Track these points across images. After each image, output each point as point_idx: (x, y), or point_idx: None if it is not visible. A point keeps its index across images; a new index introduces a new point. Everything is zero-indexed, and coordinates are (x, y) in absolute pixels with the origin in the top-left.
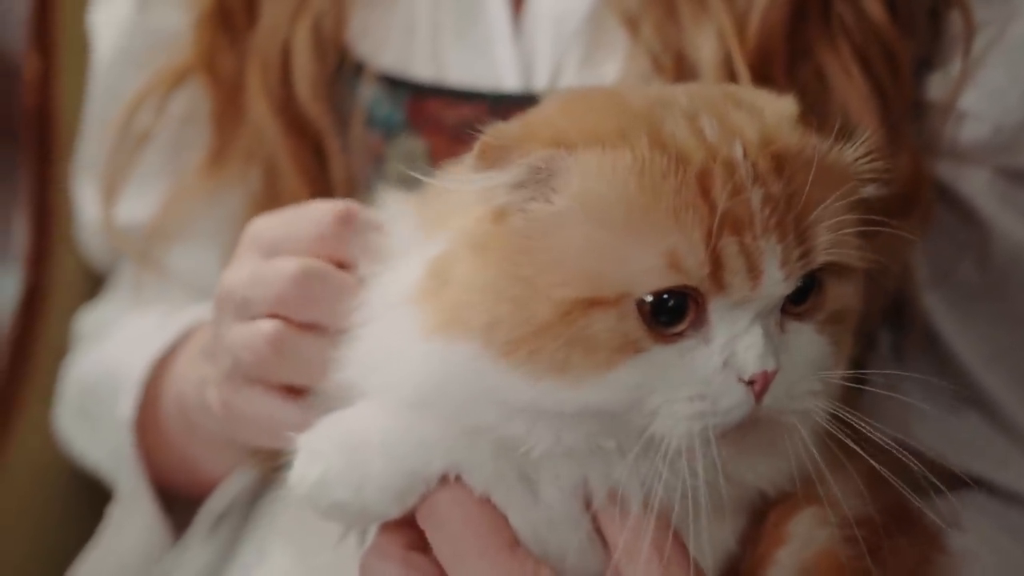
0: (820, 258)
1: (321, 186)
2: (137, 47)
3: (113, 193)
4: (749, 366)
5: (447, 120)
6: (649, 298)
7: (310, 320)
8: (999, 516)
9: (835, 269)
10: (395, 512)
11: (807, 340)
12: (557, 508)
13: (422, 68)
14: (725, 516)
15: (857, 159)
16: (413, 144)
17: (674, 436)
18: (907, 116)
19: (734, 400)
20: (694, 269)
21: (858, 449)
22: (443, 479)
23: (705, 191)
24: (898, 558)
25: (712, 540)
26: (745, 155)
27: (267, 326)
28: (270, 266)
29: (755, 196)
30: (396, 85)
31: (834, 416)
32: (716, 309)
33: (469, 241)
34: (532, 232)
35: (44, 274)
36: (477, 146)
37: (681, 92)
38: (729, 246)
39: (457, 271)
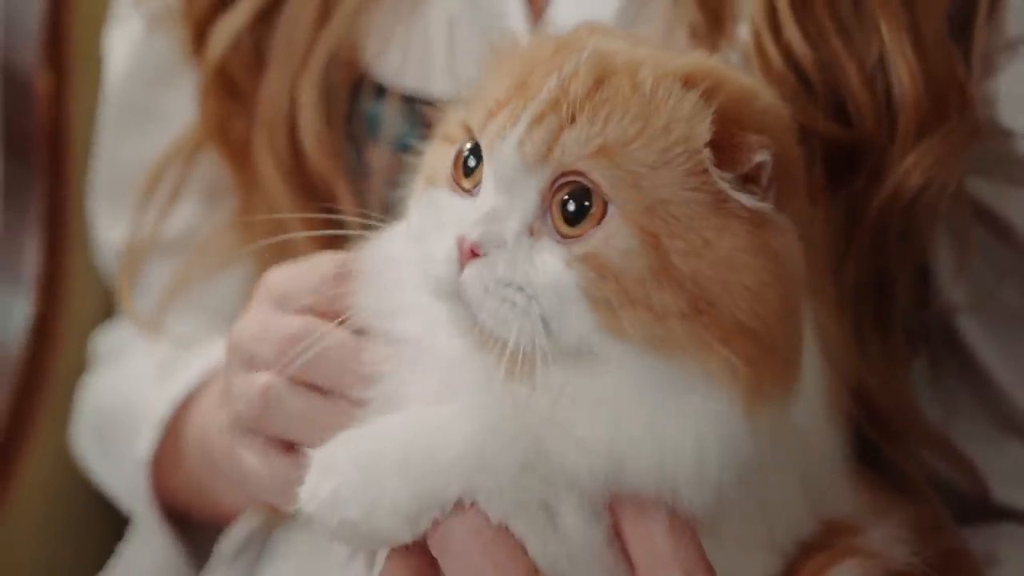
0: (565, 160)
1: (331, 240)
2: (147, 66)
3: (142, 259)
4: (460, 225)
5: None
6: (468, 145)
7: (308, 380)
8: None
9: (622, 223)
10: (406, 536)
11: (547, 260)
12: (577, 539)
13: (439, 85)
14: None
15: (693, 115)
16: None
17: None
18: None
19: (443, 252)
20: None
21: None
22: (457, 505)
23: (523, 76)
24: None
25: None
26: (576, 69)
27: (262, 379)
28: (276, 321)
29: (549, 84)
30: (413, 103)
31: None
32: (486, 171)
33: None
34: None
35: (56, 298)
36: None
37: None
38: (506, 109)
39: None
